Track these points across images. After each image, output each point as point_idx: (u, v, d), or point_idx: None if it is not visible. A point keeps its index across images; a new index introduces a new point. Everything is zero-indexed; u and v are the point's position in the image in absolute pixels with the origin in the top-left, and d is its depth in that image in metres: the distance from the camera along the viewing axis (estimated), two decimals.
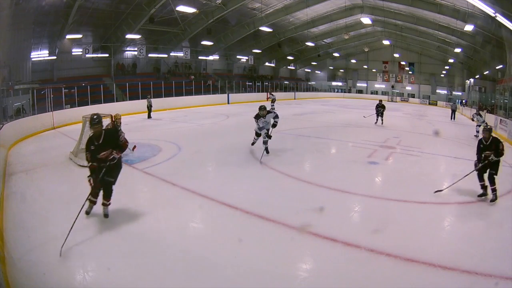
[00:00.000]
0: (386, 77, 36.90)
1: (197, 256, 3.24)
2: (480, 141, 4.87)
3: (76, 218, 3.44)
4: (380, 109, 13.31)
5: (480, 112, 13.03)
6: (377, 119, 13.38)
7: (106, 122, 7.10)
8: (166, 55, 22.41)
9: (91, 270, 3.05)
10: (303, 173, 6.39)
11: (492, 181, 4.66)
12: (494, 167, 4.64)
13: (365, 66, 37.73)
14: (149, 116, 14.35)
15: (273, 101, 19.37)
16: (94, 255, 3.26)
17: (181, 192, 5.07)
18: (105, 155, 3.69)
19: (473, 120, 12.49)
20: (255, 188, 5.40)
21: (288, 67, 36.28)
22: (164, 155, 7.32)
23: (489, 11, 10.41)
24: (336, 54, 34.48)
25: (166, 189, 5.23)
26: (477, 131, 11.20)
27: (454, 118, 17.59)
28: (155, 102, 17.68)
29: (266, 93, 27.47)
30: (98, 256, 3.25)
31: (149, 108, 14.48)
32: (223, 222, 4.11)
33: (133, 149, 7.34)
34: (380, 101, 13.92)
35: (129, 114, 14.37)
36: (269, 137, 7.12)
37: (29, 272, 2.95)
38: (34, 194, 4.98)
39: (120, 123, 7.45)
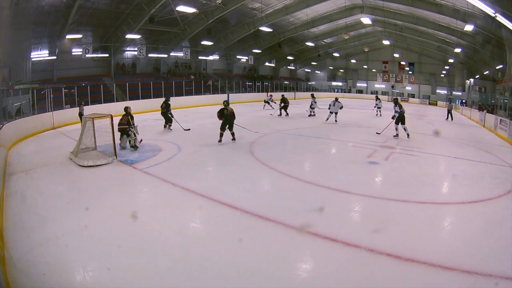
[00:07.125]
0: (386, 77, 36.94)
1: (197, 256, 3.24)
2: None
3: None
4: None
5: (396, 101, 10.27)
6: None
7: (106, 121, 7.24)
8: (166, 55, 22.41)
9: (91, 270, 3.05)
10: (303, 173, 6.39)
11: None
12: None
13: (365, 66, 37.77)
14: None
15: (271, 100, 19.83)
16: (94, 255, 3.26)
17: (181, 192, 5.07)
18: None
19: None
20: (255, 188, 5.40)
21: (288, 67, 36.30)
22: (164, 155, 7.32)
23: (489, 11, 10.38)
24: (336, 54, 34.49)
25: (166, 189, 5.22)
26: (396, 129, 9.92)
27: (451, 118, 17.51)
28: (155, 102, 17.72)
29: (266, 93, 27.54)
30: (98, 256, 3.25)
31: (81, 116, 11.21)
32: (223, 222, 4.10)
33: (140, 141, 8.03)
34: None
35: None
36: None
37: (29, 272, 2.95)
38: (34, 194, 4.98)
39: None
